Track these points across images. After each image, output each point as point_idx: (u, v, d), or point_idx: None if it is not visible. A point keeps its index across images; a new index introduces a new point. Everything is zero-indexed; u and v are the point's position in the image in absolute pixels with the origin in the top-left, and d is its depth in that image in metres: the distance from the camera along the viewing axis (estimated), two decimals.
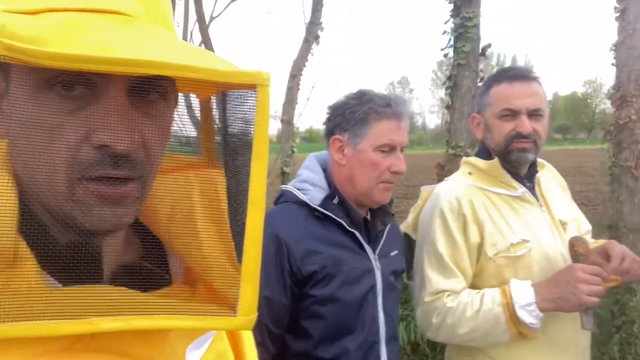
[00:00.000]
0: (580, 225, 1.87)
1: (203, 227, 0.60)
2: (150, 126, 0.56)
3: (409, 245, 1.83)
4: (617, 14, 3.82)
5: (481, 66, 4.08)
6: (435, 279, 1.65)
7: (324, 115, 1.61)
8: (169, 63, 0.48)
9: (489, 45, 4.10)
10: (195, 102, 0.64)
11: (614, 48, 3.88)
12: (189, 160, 0.64)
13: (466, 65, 3.91)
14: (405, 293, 3.64)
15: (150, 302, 0.53)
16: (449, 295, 1.64)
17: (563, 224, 1.74)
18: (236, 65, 0.54)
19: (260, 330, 1.39)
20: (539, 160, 1.81)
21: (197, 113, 0.64)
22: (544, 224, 1.70)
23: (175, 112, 0.60)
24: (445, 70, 4.64)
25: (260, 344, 1.20)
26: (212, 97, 0.63)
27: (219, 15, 8.99)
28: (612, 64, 3.90)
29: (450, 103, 4.05)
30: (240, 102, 0.57)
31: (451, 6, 3.96)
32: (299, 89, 6.66)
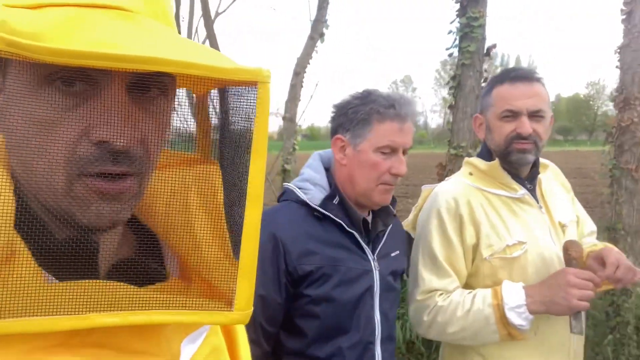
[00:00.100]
0: (584, 226, 1.87)
1: (200, 222, 0.60)
2: (150, 122, 0.56)
3: (409, 243, 1.83)
4: (624, 17, 3.80)
5: (485, 66, 4.06)
6: (428, 278, 1.66)
7: (328, 113, 1.60)
8: (171, 60, 0.48)
9: (494, 46, 4.08)
10: (194, 98, 0.64)
11: (618, 50, 3.87)
12: (187, 155, 0.64)
13: (471, 65, 3.89)
14: (401, 292, 3.64)
15: (147, 297, 0.53)
16: (441, 294, 1.65)
17: (562, 226, 1.74)
18: (237, 62, 0.54)
19: (255, 328, 1.39)
20: (542, 160, 1.81)
21: (196, 109, 0.64)
22: (542, 226, 1.70)
23: (174, 108, 0.60)
24: (449, 69, 4.63)
25: (253, 341, 1.20)
26: (211, 93, 0.63)
27: (224, 11, 8.94)
28: (617, 66, 3.89)
29: (453, 103, 4.02)
30: (241, 99, 0.57)
31: (457, 6, 3.93)
32: (302, 87, 6.63)
